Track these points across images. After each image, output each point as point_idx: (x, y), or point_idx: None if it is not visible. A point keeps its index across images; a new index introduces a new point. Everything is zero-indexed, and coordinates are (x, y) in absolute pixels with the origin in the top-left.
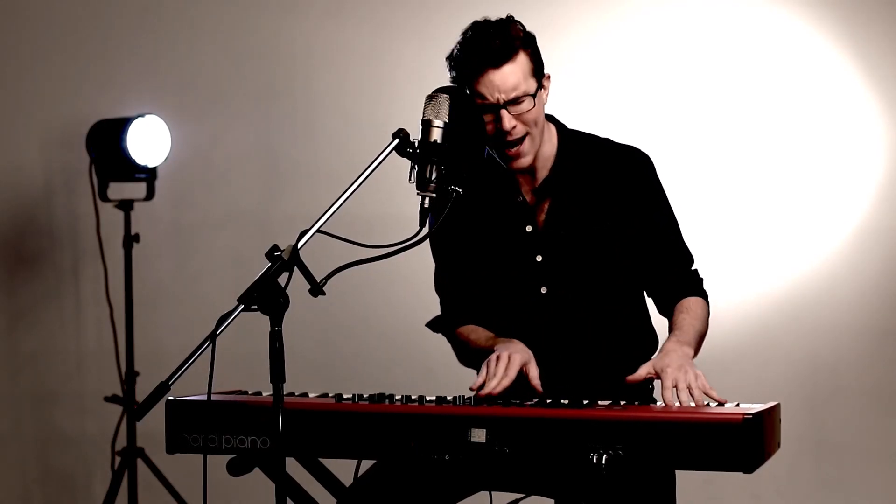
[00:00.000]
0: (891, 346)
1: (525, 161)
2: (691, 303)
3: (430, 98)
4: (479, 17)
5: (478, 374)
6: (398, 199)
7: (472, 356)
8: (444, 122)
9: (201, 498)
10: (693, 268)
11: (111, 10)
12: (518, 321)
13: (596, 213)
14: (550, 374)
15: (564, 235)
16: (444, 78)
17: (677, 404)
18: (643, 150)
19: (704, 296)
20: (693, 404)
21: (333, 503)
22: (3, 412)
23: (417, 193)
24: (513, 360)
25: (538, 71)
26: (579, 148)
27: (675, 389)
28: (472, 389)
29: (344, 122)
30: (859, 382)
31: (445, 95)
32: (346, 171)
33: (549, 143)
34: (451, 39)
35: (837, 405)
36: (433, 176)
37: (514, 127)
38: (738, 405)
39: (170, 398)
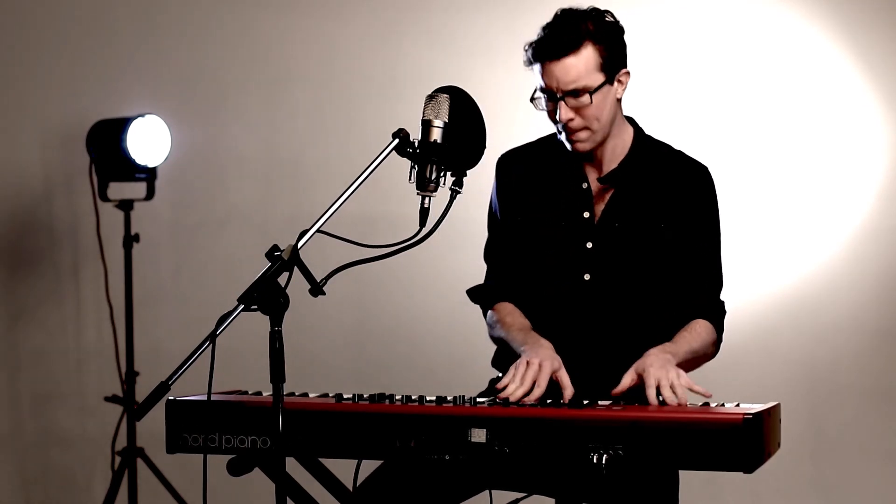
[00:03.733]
0: (890, 346)
1: (581, 146)
2: (698, 324)
3: (430, 98)
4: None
5: (503, 375)
6: (398, 199)
7: (499, 342)
8: (444, 122)
9: (201, 498)
10: (720, 298)
11: (111, 11)
12: (557, 305)
13: (653, 214)
14: (582, 361)
15: (619, 227)
16: (446, 78)
17: (659, 401)
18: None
19: (718, 324)
20: (677, 402)
21: (334, 503)
22: (3, 412)
23: (417, 193)
24: (543, 368)
25: (609, 66)
26: (650, 151)
27: (657, 389)
28: (496, 388)
29: (344, 122)
30: (859, 382)
31: (445, 95)
32: (346, 171)
33: (622, 140)
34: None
35: (837, 405)
36: (433, 176)
37: (571, 120)
38: (738, 405)
39: (170, 398)
